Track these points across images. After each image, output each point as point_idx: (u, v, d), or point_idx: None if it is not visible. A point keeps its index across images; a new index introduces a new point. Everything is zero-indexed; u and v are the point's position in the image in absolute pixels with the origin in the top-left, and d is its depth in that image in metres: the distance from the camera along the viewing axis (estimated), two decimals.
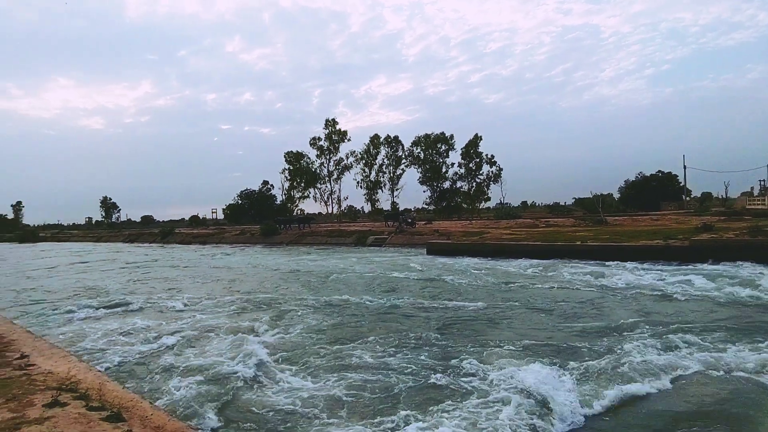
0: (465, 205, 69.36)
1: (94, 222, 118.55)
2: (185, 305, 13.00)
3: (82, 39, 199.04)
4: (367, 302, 12.66)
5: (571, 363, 6.95)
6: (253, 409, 5.76)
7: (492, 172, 67.08)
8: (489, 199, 69.61)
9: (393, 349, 8.05)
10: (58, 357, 6.11)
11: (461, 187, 68.84)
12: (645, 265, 17.61)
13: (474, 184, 67.98)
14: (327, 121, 72.04)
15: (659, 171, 62.64)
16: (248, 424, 5.40)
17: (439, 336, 8.88)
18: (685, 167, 60.49)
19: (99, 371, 5.97)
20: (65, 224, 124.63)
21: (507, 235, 29.39)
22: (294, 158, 73.92)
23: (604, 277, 15.35)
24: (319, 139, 72.38)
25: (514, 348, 7.85)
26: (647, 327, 8.91)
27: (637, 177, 63.27)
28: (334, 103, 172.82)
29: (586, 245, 21.75)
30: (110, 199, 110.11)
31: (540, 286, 14.46)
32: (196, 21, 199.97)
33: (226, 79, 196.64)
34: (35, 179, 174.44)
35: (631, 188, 63.17)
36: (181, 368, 7.28)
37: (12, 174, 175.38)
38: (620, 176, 76.10)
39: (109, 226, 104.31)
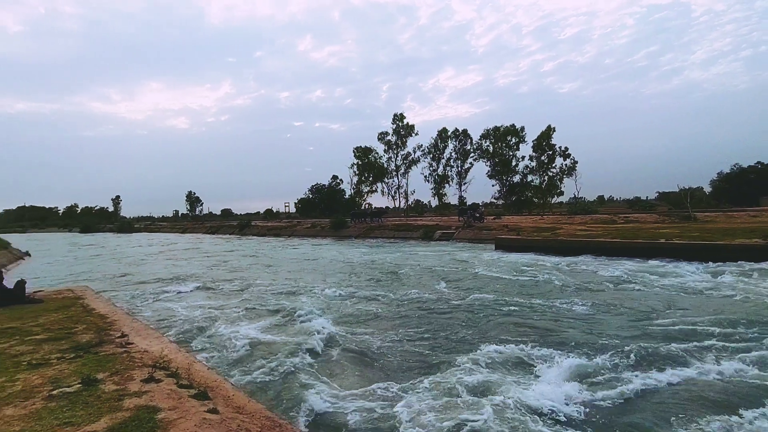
0: (536, 200, 66.84)
1: (180, 214, 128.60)
2: (256, 291, 13.69)
3: (172, 46, 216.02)
4: (448, 298, 12.52)
5: None
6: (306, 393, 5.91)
7: (566, 165, 64.13)
8: (562, 193, 66.59)
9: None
10: (152, 337, 6.66)
11: (532, 181, 66.49)
12: (746, 267, 15.81)
13: (546, 177, 65.33)
14: (395, 115, 72.40)
15: (758, 162, 56.37)
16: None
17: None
18: None
19: (187, 352, 6.43)
20: (156, 216, 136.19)
21: (581, 231, 27.89)
22: (362, 153, 75.11)
23: (700, 279, 14.05)
24: (387, 133, 72.97)
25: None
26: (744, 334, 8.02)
27: (732, 169, 57.40)
28: (402, 97, 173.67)
29: (671, 243, 20.00)
30: (194, 193, 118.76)
31: (634, 287, 13.41)
32: (270, 22, 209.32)
33: (298, 77, 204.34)
34: (130, 175, 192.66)
35: (725, 181, 57.46)
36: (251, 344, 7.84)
37: (112, 171, 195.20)
38: (712, 168, 69.44)
39: (193, 219, 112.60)
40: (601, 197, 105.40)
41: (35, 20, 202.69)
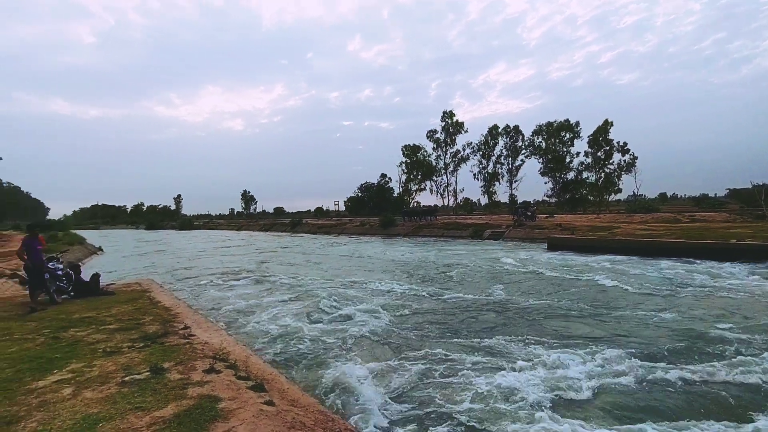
0: (591, 198, 64.05)
1: (235, 212, 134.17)
2: (305, 285, 14.02)
3: (229, 50, 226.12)
4: (499, 301, 12.34)
5: None
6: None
7: (624, 161, 61.00)
8: (620, 190, 63.34)
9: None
10: (212, 330, 7.02)
11: (587, 178, 63.70)
12: None
13: (602, 174, 62.44)
14: (444, 113, 71.81)
15: None
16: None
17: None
18: None
19: (244, 345, 6.72)
20: (213, 214, 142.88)
21: (641, 231, 26.46)
22: (411, 151, 75.10)
23: None
24: (436, 131, 72.54)
25: None
26: None
27: None
28: (450, 94, 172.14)
29: (744, 244, 18.57)
30: (249, 192, 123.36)
31: (714, 291, 12.57)
32: (320, 24, 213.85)
33: (348, 77, 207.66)
34: (190, 175, 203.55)
35: None
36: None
37: (174, 171, 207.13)
38: None
39: (247, 216, 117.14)
40: (663, 195, 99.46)
41: (106, 32, 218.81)
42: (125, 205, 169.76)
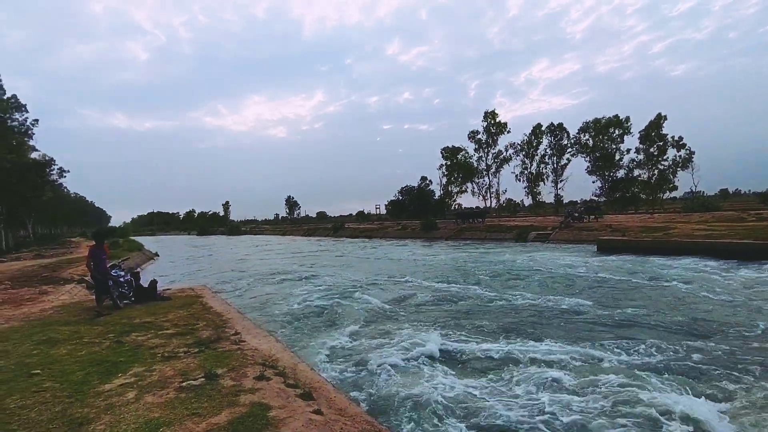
0: (643, 196, 61.10)
1: (280, 217, 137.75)
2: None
3: (271, 60, 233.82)
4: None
5: None
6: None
7: (680, 156, 57.90)
8: (675, 188, 60.17)
9: None
10: (261, 336, 7.25)
11: (639, 175, 60.85)
12: None
13: (656, 171, 59.47)
14: (486, 113, 70.76)
15: None
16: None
17: None
18: None
19: (292, 352, 6.90)
20: (259, 219, 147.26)
21: (701, 231, 24.97)
22: (450, 153, 74.51)
23: None
24: (477, 132, 71.60)
25: None
26: None
27: None
28: (491, 93, 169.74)
29: None
30: (292, 197, 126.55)
31: None
32: (359, 29, 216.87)
33: (387, 80, 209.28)
34: (237, 182, 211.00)
35: None
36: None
37: (222, 178, 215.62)
38: None
39: (291, 221, 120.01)
40: (724, 191, 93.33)
41: (158, 48, 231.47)
42: (178, 212, 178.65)
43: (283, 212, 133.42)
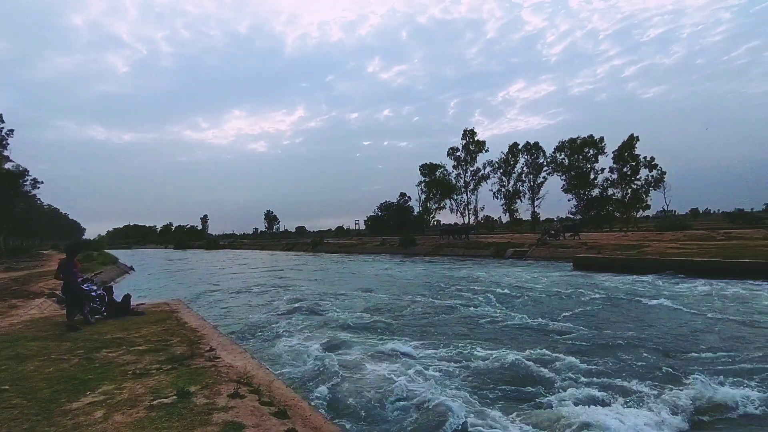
0: (617, 215, 62.65)
1: (259, 232, 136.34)
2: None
3: (253, 76, 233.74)
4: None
5: None
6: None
7: (652, 176, 59.72)
8: (648, 207, 61.92)
9: None
10: (236, 352, 7.17)
11: (613, 194, 62.47)
12: None
13: (629, 190, 61.14)
14: (465, 131, 72.04)
15: None
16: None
17: None
18: None
19: (268, 369, 6.84)
20: (238, 234, 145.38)
21: (673, 249, 25.71)
22: (429, 170, 75.37)
23: None
24: (457, 149, 72.66)
25: None
26: None
27: None
28: (470, 112, 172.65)
29: None
30: (272, 212, 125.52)
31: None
32: (340, 47, 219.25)
33: (367, 97, 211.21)
34: (216, 196, 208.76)
35: None
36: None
37: (201, 192, 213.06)
38: None
39: (270, 236, 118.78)
40: (695, 210, 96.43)
41: (139, 61, 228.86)
42: (155, 226, 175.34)
43: (262, 227, 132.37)
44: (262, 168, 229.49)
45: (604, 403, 6.23)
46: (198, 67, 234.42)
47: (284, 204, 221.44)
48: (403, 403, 6.56)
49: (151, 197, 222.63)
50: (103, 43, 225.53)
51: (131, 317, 10.37)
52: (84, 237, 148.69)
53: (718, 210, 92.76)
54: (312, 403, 5.84)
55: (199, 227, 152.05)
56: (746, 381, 6.89)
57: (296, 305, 15.89)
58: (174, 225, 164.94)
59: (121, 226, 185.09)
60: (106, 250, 53.29)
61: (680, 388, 6.72)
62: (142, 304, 12.63)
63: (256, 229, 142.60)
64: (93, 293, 10.26)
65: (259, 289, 21.31)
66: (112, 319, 10.21)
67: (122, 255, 56.21)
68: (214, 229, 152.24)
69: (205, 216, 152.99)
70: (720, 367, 7.60)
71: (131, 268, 37.69)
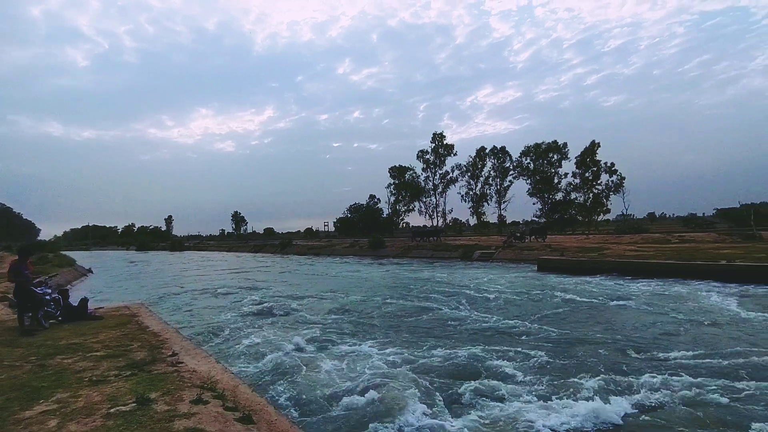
0: (580, 218, 64.70)
1: (226, 233, 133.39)
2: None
3: (220, 74, 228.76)
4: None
5: None
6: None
7: (612, 181, 61.89)
8: (608, 211, 64.09)
9: None
10: (200, 357, 7.03)
11: (576, 198, 64.47)
12: None
13: (591, 195, 63.23)
14: (434, 134, 72.92)
15: None
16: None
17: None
18: None
19: (233, 373, 6.74)
20: (204, 235, 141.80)
21: (631, 252, 26.79)
22: (398, 173, 75.77)
23: None
24: (427, 152, 73.34)
25: None
26: None
27: None
28: (439, 116, 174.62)
29: (734, 265, 18.85)
30: (239, 213, 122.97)
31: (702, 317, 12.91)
32: (311, 48, 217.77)
33: (337, 99, 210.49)
34: (182, 196, 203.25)
35: None
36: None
37: (165, 192, 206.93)
38: None
39: (238, 237, 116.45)
40: (651, 214, 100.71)
41: (100, 55, 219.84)
42: (116, 226, 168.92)
43: (229, 228, 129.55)
44: (229, 168, 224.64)
45: (550, 398, 6.59)
46: (163, 64, 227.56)
47: (252, 205, 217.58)
48: (359, 398, 6.73)
49: (112, 197, 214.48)
50: (62, 36, 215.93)
51: (88, 322, 10.00)
52: (39, 238, 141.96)
53: (673, 214, 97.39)
54: (277, 407, 5.80)
55: (163, 228, 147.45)
56: (685, 372, 7.36)
57: (262, 306, 15.83)
58: (136, 226, 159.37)
59: (80, 227, 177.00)
60: (63, 252, 50.97)
61: (626, 381, 7.15)
62: (101, 308, 12.20)
63: (222, 230, 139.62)
64: (47, 297, 9.82)
65: (225, 290, 20.93)
66: (68, 323, 9.82)
67: (80, 257, 53.92)
68: (178, 230, 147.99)
69: (170, 217, 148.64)
70: (667, 361, 8.01)
71: (89, 271, 36.26)
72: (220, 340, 11.06)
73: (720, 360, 8.09)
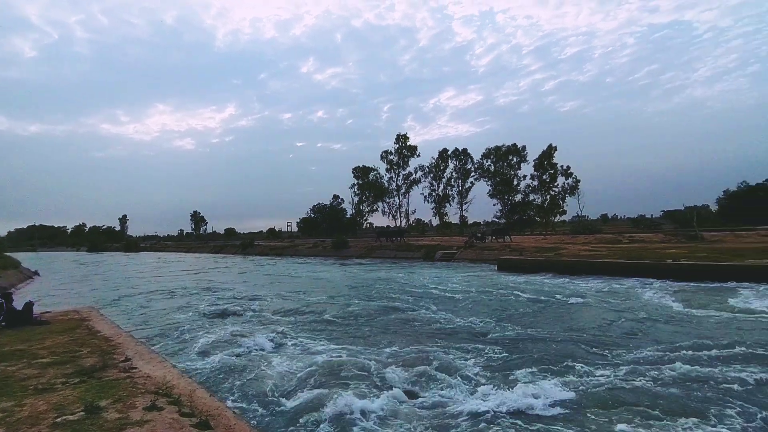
0: (538, 219, 66.74)
1: (185, 234, 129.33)
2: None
3: (180, 69, 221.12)
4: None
5: None
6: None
7: (568, 183, 64.20)
8: (564, 212, 66.44)
9: None
10: (155, 362, 6.83)
11: (534, 200, 66.47)
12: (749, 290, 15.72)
13: (548, 196, 65.33)
14: (398, 136, 73.40)
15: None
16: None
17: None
18: None
19: (189, 378, 6.57)
20: (161, 235, 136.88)
21: (586, 251, 27.87)
22: (362, 173, 75.76)
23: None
24: (390, 153, 73.70)
25: None
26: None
27: (739, 187, 55.73)
28: (402, 117, 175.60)
29: (678, 264, 19.90)
30: (199, 213, 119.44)
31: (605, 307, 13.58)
32: (274, 46, 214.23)
33: (301, 98, 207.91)
34: (137, 195, 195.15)
35: (732, 200, 55.78)
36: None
37: (120, 191, 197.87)
38: (719, 186, 67.58)
39: (197, 238, 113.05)
40: (604, 215, 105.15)
41: (49, 46, 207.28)
42: (66, 226, 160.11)
43: (188, 228, 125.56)
44: (188, 166, 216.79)
45: (497, 386, 6.97)
46: (118, 57, 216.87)
47: (213, 205, 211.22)
48: (313, 394, 6.90)
49: (62, 195, 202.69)
50: (9, 25, 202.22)
51: (34, 327, 9.51)
52: None
53: (624, 215, 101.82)
54: (235, 411, 5.71)
55: (118, 228, 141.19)
56: (621, 362, 7.83)
57: (221, 308, 15.58)
58: (88, 226, 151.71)
59: (25, 227, 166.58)
60: (7, 253, 47.98)
61: (573, 371, 7.68)
62: (47, 312, 11.61)
63: (181, 230, 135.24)
64: None
65: (183, 292, 20.35)
66: (12, 329, 9.30)
67: (26, 258, 51.03)
68: (134, 231, 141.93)
69: (124, 216, 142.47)
70: (611, 352, 8.45)
71: (36, 273, 34.33)
72: (176, 344, 10.71)
73: (658, 350, 8.63)
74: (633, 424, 5.60)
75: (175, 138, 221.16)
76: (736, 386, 6.72)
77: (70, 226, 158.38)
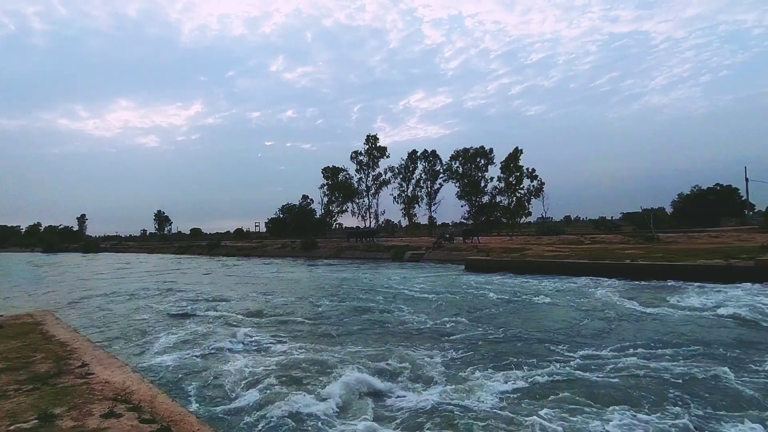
0: (504, 220, 68.23)
1: (148, 234, 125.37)
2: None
3: (143, 64, 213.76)
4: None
5: None
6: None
7: (533, 186, 66.02)
8: (530, 214, 68.37)
9: None
10: (114, 367, 6.62)
11: (501, 201, 67.98)
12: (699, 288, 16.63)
13: (514, 198, 66.96)
14: (368, 137, 73.66)
15: (717, 184, 57.17)
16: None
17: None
18: (747, 180, 54.62)
19: (150, 383, 6.41)
20: (123, 236, 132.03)
21: (549, 252, 28.68)
22: (332, 173, 75.56)
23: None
24: (360, 153, 73.78)
25: None
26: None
27: (692, 190, 58.67)
28: (372, 118, 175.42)
29: (636, 264, 20.81)
30: (163, 212, 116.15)
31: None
32: (243, 43, 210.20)
33: (270, 97, 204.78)
34: (97, 193, 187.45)
35: (685, 202, 58.65)
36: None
37: (78, 189, 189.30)
38: (673, 190, 70.92)
39: (161, 238, 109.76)
40: (567, 217, 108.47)
41: (4, 37, 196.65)
42: (19, 226, 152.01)
43: (151, 228, 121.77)
44: (152, 164, 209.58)
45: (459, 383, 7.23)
46: (77, 50, 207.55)
47: (177, 204, 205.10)
48: (266, 395, 7.01)
49: (14, 193, 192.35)
50: None
51: None
52: None
53: (586, 217, 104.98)
54: (199, 416, 5.61)
55: (76, 228, 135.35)
56: (569, 358, 8.13)
57: (183, 309, 15.27)
58: (43, 225, 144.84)
59: None
60: None
61: (510, 367, 8.06)
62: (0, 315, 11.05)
63: (144, 230, 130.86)
64: None
65: (145, 293, 19.79)
66: None
67: None
68: (93, 230, 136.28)
69: (83, 215, 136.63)
70: (570, 346, 8.77)
71: None
72: (136, 347, 10.43)
73: (614, 346, 9.01)
74: (557, 410, 6.05)
75: (138, 135, 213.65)
76: (674, 379, 7.21)
77: (24, 226, 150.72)
